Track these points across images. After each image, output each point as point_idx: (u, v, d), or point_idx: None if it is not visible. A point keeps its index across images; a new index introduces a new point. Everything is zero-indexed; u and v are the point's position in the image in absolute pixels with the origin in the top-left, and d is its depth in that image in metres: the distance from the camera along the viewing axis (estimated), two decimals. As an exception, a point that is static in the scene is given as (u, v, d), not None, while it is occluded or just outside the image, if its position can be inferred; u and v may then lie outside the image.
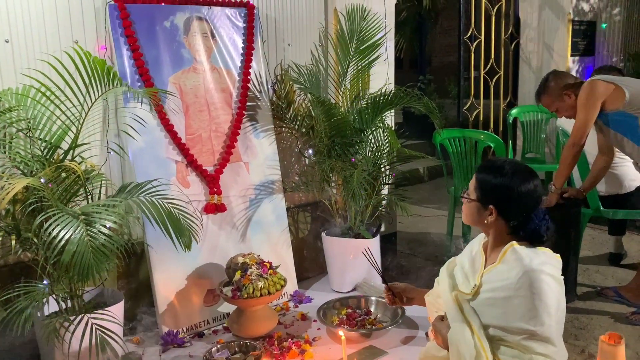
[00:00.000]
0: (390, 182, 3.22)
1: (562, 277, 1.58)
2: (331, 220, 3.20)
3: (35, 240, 1.97)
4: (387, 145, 3.03)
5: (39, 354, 2.23)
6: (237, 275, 2.47)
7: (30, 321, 1.85)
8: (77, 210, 1.83)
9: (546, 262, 1.55)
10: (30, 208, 1.91)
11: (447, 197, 3.96)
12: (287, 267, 2.88)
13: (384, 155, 3.02)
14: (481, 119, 5.15)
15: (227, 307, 2.67)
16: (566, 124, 3.33)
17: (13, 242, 1.96)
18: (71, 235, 1.71)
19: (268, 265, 2.54)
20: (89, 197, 2.15)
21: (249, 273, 2.46)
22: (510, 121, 4.71)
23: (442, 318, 1.73)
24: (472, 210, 1.66)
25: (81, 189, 2.11)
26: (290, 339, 2.46)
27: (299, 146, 3.16)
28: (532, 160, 4.76)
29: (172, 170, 2.58)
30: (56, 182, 2.04)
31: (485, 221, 1.62)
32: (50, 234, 1.71)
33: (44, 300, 2.04)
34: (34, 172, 2.03)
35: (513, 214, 1.59)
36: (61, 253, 1.71)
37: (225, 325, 2.65)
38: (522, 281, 1.50)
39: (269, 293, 2.43)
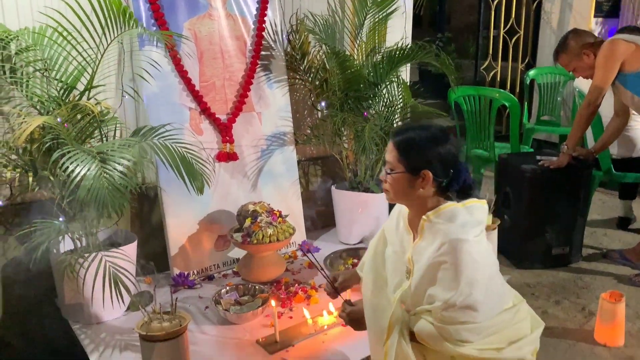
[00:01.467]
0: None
1: (484, 227, 1.53)
2: (341, 174, 3.22)
3: (51, 178, 2.02)
4: (400, 100, 3.01)
5: (55, 287, 2.32)
6: (248, 222, 2.52)
7: (46, 257, 1.91)
8: (92, 149, 1.86)
9: (468, 223, 1.47)
10: (47, 146, 1.94)
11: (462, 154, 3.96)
12: (296, 218, 2.93)
13: (397, 110, 3.01)
14: (498, 79, 5.08)
15: (236, 253, 2.73)
16: (583, 85, 3.29)
17: (30, 179, 2.01)
18: (87, 171, 1.75)
19: (277, 213, 2.58)
20: (104, 139, 2.18)
21: (258, 220, 2.50)
22: (527, 83, 4.65)
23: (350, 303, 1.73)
24: (401, 185, 1.53)
25: (96, 131, 2.15)
26: (296, 285, 2.53)
27: (312, 99, 3.15)
28: (547, 123, 4.72)
29: (186, 117, 2.60)
30: (72, 122, 2.08)
31: (419, 189, 1.51)
32: (66, 170, 1.75)
33: (60, 237, 2.11)
34: (50, 112, 2.06)
35: (445, 171, 1.50)
36: (77, 189, 1.76)
37: (234, 269, 2.72)
38: (443, 251, 1.44)
39: (278, 240, 2.49)
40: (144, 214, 2.69)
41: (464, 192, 1.53)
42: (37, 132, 2.03)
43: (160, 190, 2.52)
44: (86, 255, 2.10)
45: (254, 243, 2.45)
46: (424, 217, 1.51)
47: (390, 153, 1.55)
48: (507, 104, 3.40)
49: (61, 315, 2.31)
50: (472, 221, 1.48)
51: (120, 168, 1.79)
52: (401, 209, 1.67)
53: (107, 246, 2.28)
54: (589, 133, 3.26)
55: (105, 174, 1.75)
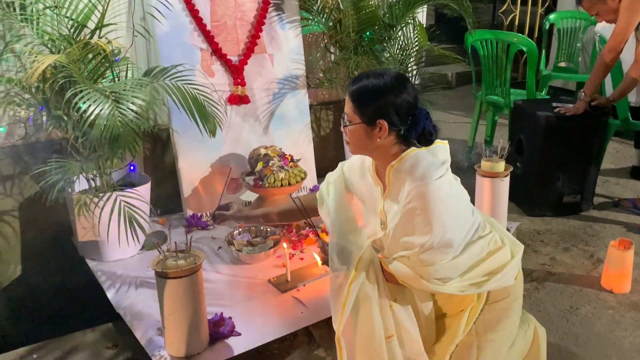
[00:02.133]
0: (416, 83, 3.16)
1: (449, 161, 1.50)
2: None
3: (65, 117, 2.02)
4: (416, 43, 2.94)
5: (70, 225, 2.37)
6: (259, 165, 2.54)
7: (61, 195, 1.94)
8: (105, 88, 1.86)
9: (432, 165, 1.44)
10: (59, 84, 1.94)
11: (472, 105, 3.90)
12: (307, 162, 2.94)
13: (413, 54, 2.95)
14: (516, 23, 4.93)
15: (248, 195, 2.76)
16: (605, 30, 3.18)
17: (44, 118, 2.02)
18: (101, 110, 1.75)
19: (289, 158, 2.59)
20: (116, 79, 2.17)
21: (270, 164, 2.51)
22: (547, 27, 4.51)
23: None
24: (359, 136, 1.48)
25: (108, 71, 2.13)
26: (307, 228, 2.56)
27: (325, 41, 3.09)
28: (564, 69, 4.60)
29: (197, 58, 2.57)
30: (83, 62, 2.06)
31: (377, 140, 1.46)
32: (79, 109, 1.75)
33: (74, 176, 2.13)
34: (61, 51, 2.04)
35: (402, 119, 1.45)
36: (90, 128, 1.76)
37: (246, 212, 2.76)
38: (411, 197, 1.42)
39: (289, 184, 2.50)
40: (156, 156, 2.70)
41: (425, 138, 1.47)
42: (49, 71, 2.02)
43: (173, 132, 2.52)
44: (101, 194, 2.13)
45: (265, 187, 2.47)
46: (389, 165, 1.49)
47: (346, 105, 1.50)
48: (525, 49, 3.31)
49: (77, 252, 2.38)
50: (435, 162, 1.46)
51: (133, 108, 1.79)
52: (364, 160, 1.62)
53: (121, 187, 2.31)
54: (607, 80, 3.18)
55: (118, 114, 1.75)
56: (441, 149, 1.52)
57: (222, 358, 1.75)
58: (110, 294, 2.10)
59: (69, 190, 2.24)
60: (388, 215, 1.53)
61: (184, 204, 2.64)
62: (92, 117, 1.73)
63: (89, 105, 1.75)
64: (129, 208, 2.08)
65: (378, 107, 1.44)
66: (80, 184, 2.32)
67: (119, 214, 2.04)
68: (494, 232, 1.58)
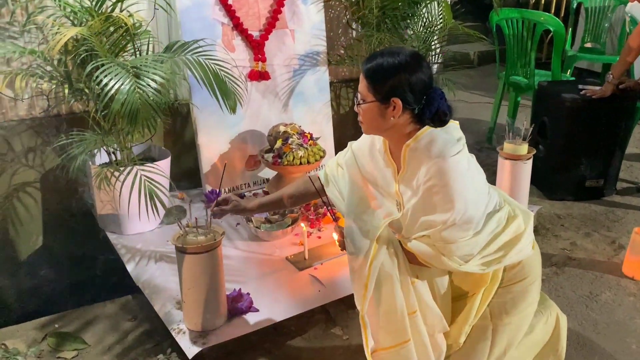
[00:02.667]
0: (439, 61, 3.11)
1: (462, 138, 1.46)
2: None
3: (86, 90, 2.02)
4: (440, 21, 2.88)
5: (92, 199, 2.39)
6: (279, 143, 2.52)
7: (83, 168, 1.96)
8: (127, 63, 1.85)
9: (448, 142, 1.41)
10: (81, 58, 1.93)
11: (495, 85, 3.83)
12: (326, 140, 2.92)
13: (436, 31, 2.88)
14: (542, 2, 4.80)
15: (267, 173, 2.76)
16: (636, 10, 3.08)
17: (66, 91, 2.02)
18: (121, 85, 1.74)
19: (309, 136, 2.57)
20: (137, 52, 2.16)
21: (289, 142, 2.50)
22: (574, 6, 4.38)
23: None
24: (373, 115, 1.45)
25: (129, 44, 2.12)
26: (326, 206, 2.55)
27: (347, 17, 3.04)
28: (590, 50, 4.49)
29: (218, 33, 2.55)
30: (105, 35, 2.05)
31: (391, 118, 1.42)
32: (100, 82, 1.75)
33: (96, 149, 2.14)
34: (83, 23, 2.03)
35: (417, 99, 1.41)
36: (111, 102, 1.76)
37: (265, 189, 2.76)
38: (430, 175, 1.39)
39: (308, 162, 2.49)
40: (176, 130, 2.70)
41: (439, 119, 1.44)
42: (71, 43, 2.01)
43: (193, 108, 2.51)
44: (122, 168, 2.14)
45: (284, 164, 2.46)
46: (405, 145, 1.45)
47: (360, 83, 1.46)
48: (552, 29, 3.22)
49: (97, 224, 2.40)
50: (451, 139, 1.43)
51: (153, 85, 1.78)
52: (373, 141, 1.59)
53: (142, 161, 2.32)
54: (637, 63, 3.09)
55: (139, 89, 1.74)
56: (454, 127, 1.50)
57: (239, 333, 1.77)
58: (129, 267, 2.12)
59: (90, 163, 2.25)
60: (404, 196, 1.51)
61: (203, 180, 2.65)
62: (112, 91, 1.73)
63: (110, 79, 1.74)
64: (150, 182, 2.09)
65: (392, 85, 1.41)
66: (102, 157, 2.33)
67: (140, 188, 2.06)
68: (506, 205, 1.57)
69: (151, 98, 1.77)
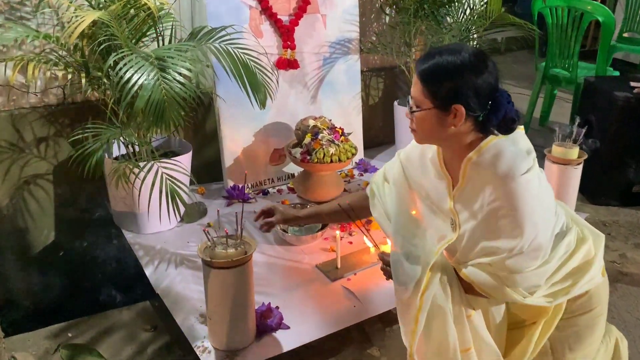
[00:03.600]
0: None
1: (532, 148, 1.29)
2: (406, 89, 2.96)
3: (105, 80, 1.85)
4: (483, 8, 2.66)
5: (107, 194, 2.24)
6: (308, 138, 2.35)
7: (100, 165, 1.79)
8: (150, 53, 1.66)
9: (517, 156, 1.23)
10: (100, 47, 1.75)
11: (524, 73, 3.62)
12: (355, 134, 2.74)
13: (477, 20, 2.67)
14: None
15: (292, 168, 2.59)
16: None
17: (83, 80, 1.84)
18: (145, 80, 1.57)
19: (340, 131, 2.39)
20: (159, 38, 1.98)
21: (319, 137, 2.32)
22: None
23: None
24: (429, 123, 1.26)
25: (151, 29, 1.94)
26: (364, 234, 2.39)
27: (380, 1, 2.83)
28: (629, 40, 4.23)
29: (245, 17, 2.35)
30: (125, 19, 1.87)
31: (451, 127, 1.24)
32: (122, 77, 1.57)
33: (112, 143, 1.98)
34: (102, 6, 1.85)
35: (482, 104, 1.23)
36: (134, 98, 1.59)
37: (290, 185, 2.60)
38: (496, 196, 1.22)
39: (340, 160, 2.32)
40: (198, 121, 2.53)
41: (505, 126, 1.26)
42: (89, 27, 1.83)
43: (217, 98, 2.33)
44: (141, 164, 1.98)
45: (314, 162, 2.29)
46: (466, 158, 1.27)
47: (414, 86, 1.28)
48: (600, 19, 3.00)
49: (113, 221, 2.25)
50: (520, 152, 1.25)
51: (179, 78, 1.60)
52: (424, 149, 1.40)
53: (162, 155, 2.15)
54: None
55: (164, 84, 1.56)
56: (521, 136, 1.31)
57: (270, 354, 1.62)
58: (148, 271, 1.97)
59: (107, 156, 2.09)
60: (461, 215, 1.33)
61: (224, 174, 2.48)
62: (136, 87, 1.55)
63: (133, 74, 1.56)
64: (171, 181, 1.93)
65: (454, 89, 1.23)
66: (119, 149, 2.17)
67: (160, 187, 1.90)
68: (574, 226, 1.40)
69: (177, 94, 1.59)
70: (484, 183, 1.26)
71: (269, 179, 2.58)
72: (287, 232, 2.13)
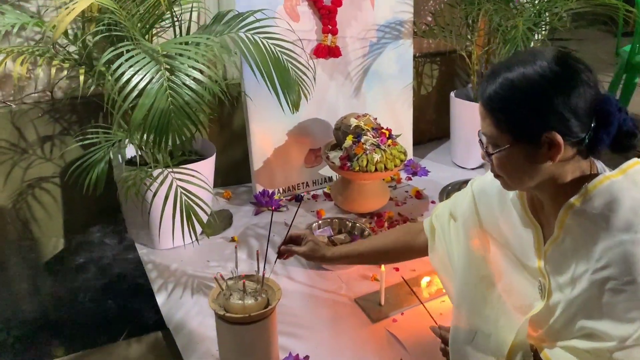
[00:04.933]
0: (543, 30, 2.48)
1: None
2: (464, 78, 2.57)
3: (109, 77, 1.55)
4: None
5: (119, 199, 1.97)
6: (349, 140, 2.00)
7: (102, 180, 1.52)
8: (157, 48, 1.34)
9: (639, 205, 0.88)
10: (99, 36, 1.45)
11: (598, 57, 3.14)
12: (404, 132, 2.38)
13: (558, 2, 2.24)
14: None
15: (330, 171, 2.26)
16: None
17: (81, 77, 1.54)
18: (147, 83, 1.25)
19: (387, 133, 2.04)
20: (176, 23, 1.66)
21: (362, 141, 1.98)
22: None
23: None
24: (517, 164, 0.92)
25: (167, 13, 1.61)
26: (402, 222, 2.05)
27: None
28: None
29: (279, -3, 2.00)
30: (135, 1, 1.55)
31: (548, 163, 0.90)
32: (119, 77, 1.26)
33: (121, 149, 1.69)
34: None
35: (583, 124, 0.88)
36: (134, 104, 1.28)
37: (326, 190, 2.28)
38: (609, 260, 0.88)
39: (386, 169, 1.97)
40: (224, 116, 2.22)
41: (623, 144, 0.91)
42: (95, 8, 1.52)
43: (245, 90, 2.01)
44: (154, 173, 1.69)
45: (355, 170, 1.95)
46: (566, 204, 0.93)
47: (483, 120, 0.94)
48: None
49: (126, 230, 2.00)
50: None
51: (191, 84, 1.27)
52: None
53: (181, 158, 1.86)
54: None
55: (171, 92, 1.24)
56: None
57: None
58: (160, 300, 1.70)
59: (119, 158, 1.82)
60: (554, 279, 0.98)
61: (253, 178, 2.18)
62: (135, 92, 1.24)
63: (134, 73, 1.24)
64: (187, 196, 1.64)
65: (539, 113, 0.88)
66: (130, 150, 1.89)
67: (174, 203, 1.61)
68: None
69: (187, 104, 1.27)
70: (590, 241, 0.91)
71: (302, 183, 2.26)
72: (322, 255, 1.81)
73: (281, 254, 1.31)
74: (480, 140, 0.97)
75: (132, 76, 1.24)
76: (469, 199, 1.14)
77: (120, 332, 1.83)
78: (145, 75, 1.24)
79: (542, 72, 0.88)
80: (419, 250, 1.27)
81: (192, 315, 1.63)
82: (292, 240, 1.32)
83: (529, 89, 0.88)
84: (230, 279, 1.28)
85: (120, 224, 2.02)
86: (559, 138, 0.88)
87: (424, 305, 1.30)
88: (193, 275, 1.80)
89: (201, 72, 1.29)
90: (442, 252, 1.19)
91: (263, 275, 1.25)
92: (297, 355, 1.44)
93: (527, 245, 1.03)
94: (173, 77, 1.25)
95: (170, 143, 1.25)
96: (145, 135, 1.24)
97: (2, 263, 1.99)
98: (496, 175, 0.98)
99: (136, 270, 1.87)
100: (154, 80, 1.24)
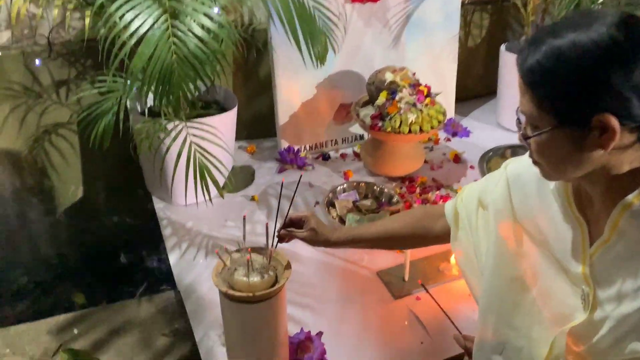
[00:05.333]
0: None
1: None
2: (517, 29, 2.31)
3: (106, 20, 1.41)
4: None
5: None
6: (382, 97, 1.83)
7: (108, 135, 1.41)
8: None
9: None
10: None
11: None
12: (446, 88, 2.17)
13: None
14: None
15: (361, 128, 2.09)
16: None
17: (87, 19, 1.41)
18: (148, 30, 1.10)
19: (425, 91, 1.84)
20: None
21: (397, 98, 1.79)
22: None
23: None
24: (560, 150, 0.75)
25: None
26: (436, 189, 1.89)
27: None
28: None
29: None
30: None
31: (598, 152, 0.73)
32: (117, 21, 1.12)
33: (129, 97, 1.58)
34: None
35: None
36: (132, 51, 1.14)
37: (356, 149, 2.12)
38: None
39: (421, 131, 1.79)
40: (249, 64, 2.06)
41: None
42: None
43: (271, 38, 1.84)
44: (169, 126, 1.58)
45: (386, 130, 1.78)
46: (621, 203, 0.75)
47: (523, 95, 0.77)
48: None
49: (145, 182, 1.92)
50: None
51: (198, 32, 1.12)
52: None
53: (203, 108, 1.74)
54: None
55: (175, 40, 1.09)
56: None
57: (303, 406, 1.24)
58: (172, 259, 1.63)
59: (136, 106, 1.72)
60: (600, 289, 0.81)
61: (278, 133, 2.04)
62: (135, 38, 1.09)
63: (133, 17, 1.10)
64: (202, 154, 1.52)
65: (591, 91, 0.70)
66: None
67: (188, 160, 1.50)
68: None
69: (192, 55, 1.12)
70: None
71: (331, 141, 2.11)
72: (345, 221, 1.68)
73: (281, 238, 1.18)
74: (517, 119, 0.79)
75: (132, 21, 1.09)
76: (503, 184, 0.96)
77: (136, 286, 1.79)
78: (146, 20, 1.10)
79: (599, 39, 0.69)
80: (437, 237, 1.11)
81: (203, 279, 1.54)
82: (293, 223, 1.19)
83: (580, 60, 0.69)
84: (236, 250, 1.17)
85: (140, 175, 1.93)
86: (615, 122, 0.70)
87: (444, 312, 1.14)
88: (208, 235, 1.71)
89: (210, 18, 1.13)
90: (467, 244, 1.03)
91: (271, 252, 1.13)
92: (309, 332, 1.34)
93: (569, 245, 0.86)
94: (178, 22, 1.10)
95: (173, 97, 1.12)
96: (145, 88, 1.11)
97: (21, 210, 1.95)
98: (534, 162, 0.81)
99: (154, 224, 1.79)
100: (155, 26, 1.09)
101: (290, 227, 1.17)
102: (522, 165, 0.94)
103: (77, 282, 1.98)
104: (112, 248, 2.01)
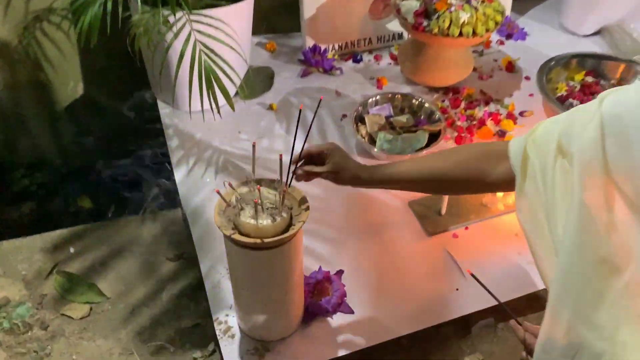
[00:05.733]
0: None
1: None
2: None
3: None
4: None
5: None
6: (430, -10, 1.51)
7: (95, 27, 1.16)
8: None
9: None
10: None
11: None
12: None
13: None
14: None
15: (399, 25, 1.79)
16: None
17: None
18: None
19: (483, -17, 1.51)
20: None
21: (448, -9, 1.47)
22: None
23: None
24: None
25: None
26: (484, 103, 1.62)
27: None
28: None
29: None
30: None
31: None
32: None
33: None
34: None
35: None
36: None
37: (393, 52, 1.83)
38: None
39: (474, 34, 1.49)
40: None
41: None
42: None
43: None
44: (171, 18, 1.32)
45: (432, 32, 1.48)
46: None
47: None
48: None
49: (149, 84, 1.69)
50: None
51: None
52: None
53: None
54: None
55: None
56: None
57: (318, 357, 1.09)
58: (178, 176, 1.45)
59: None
60: None
61: (303, 29, 1.75)
62: None
63: None
64: (209, 55, 1.28)
65: None
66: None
67: (192, 61, 1.26)
68: None
69: None
70: None
71: (364, 40, 1.82)
72: (376, 147, 1.44)
73: (297, 176, 0.95)
74: None
75: None
76: (595, 126, 0.68)
77: (141, 199, 1.63)
78: None
79: None
80: (496, 184, 0.87)
81: (213, 202, 1.36)
82: (312, 157, 0.96)
83: None
84: (244, 183, 0.96)
85: (144, 72, 1.70)
86: None
87: (492, 295, 0.89)
88: (219, 149, 1.50)
89: None
90: (536, 201, 0.78)
91: (284, 191, 0.92)
92: (328, 272, 1.17)
93: None
94: None
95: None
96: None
97: (17, 106, 1.76)
98: None
99: (161, 128, 1.59)
100: None
101: (309, 164, 0.96)
102: (626, 100, 0.67)
103: (83, 186, 1.84)
104: (117, 150, 1.83)
